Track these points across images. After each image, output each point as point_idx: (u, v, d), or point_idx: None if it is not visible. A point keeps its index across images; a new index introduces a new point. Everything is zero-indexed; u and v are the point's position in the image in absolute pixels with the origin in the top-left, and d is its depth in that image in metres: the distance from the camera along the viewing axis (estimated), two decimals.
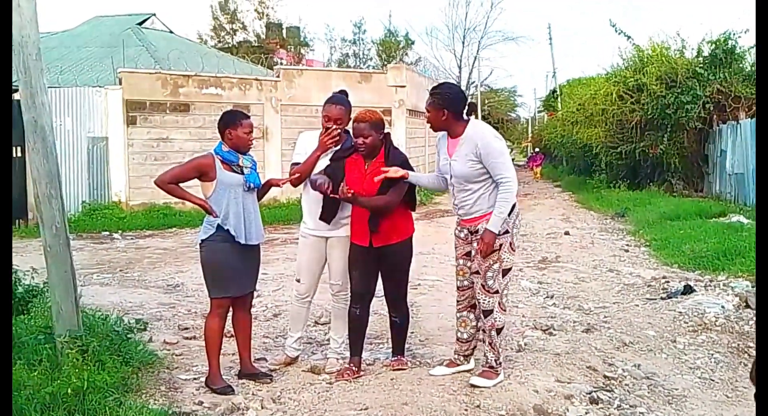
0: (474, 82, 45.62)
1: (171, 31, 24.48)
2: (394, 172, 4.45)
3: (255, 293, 4.90)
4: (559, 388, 4.39)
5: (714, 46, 17.83)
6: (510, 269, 4.50)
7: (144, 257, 10.56)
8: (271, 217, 13.52)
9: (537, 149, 37.91)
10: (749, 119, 15.49)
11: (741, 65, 17.65)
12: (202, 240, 4.41)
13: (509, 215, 4.35)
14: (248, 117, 4.57)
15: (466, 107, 4.50)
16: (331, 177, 4.55)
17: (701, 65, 17.72)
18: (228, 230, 4.33)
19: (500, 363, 4.49)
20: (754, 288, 6.70)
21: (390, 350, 5.03)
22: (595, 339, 5.59)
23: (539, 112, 51.42)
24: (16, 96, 4.27)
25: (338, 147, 4.73)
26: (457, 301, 4.72)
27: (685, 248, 9.49)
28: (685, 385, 4.72)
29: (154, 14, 24.00)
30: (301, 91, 16.45)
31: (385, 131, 4.73)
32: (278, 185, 4.74)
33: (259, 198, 4.64)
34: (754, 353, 5.29)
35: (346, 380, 4.56)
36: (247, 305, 4.68)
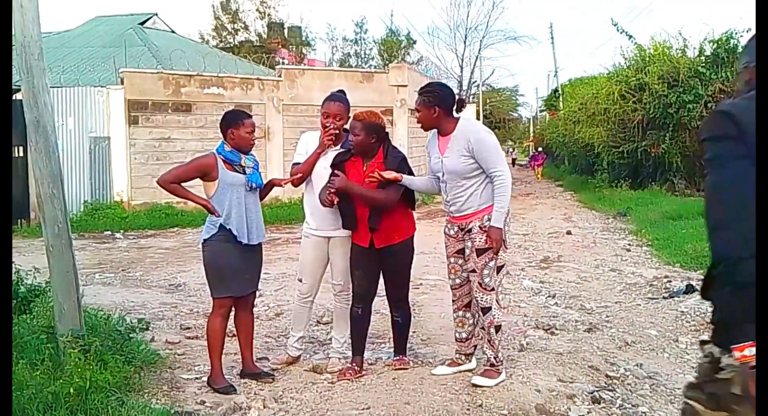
0: (476, 81, 45.65)
1: (173, 31, 24.51)
2: (387, 174, 4.45)
3: (257, 293, 4.90)
4: (561, 388, 4.39)
5: (716, 45, 17.81)
6: (503, 266, 4.51)
7: (146, 256, 10.57)
8: (273, 217, 13.52)
9: (539, 149, 37.90)
10: None
11: None
12: (205, 240, 4.42)
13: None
14: (250, 117, 4.57)
15: (456, 104, 4.52)
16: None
17: (703, 64, 17.72)
18: (230, 229, 4.33)
19: (501, 361, 4.49)
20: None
21: (392, 349, 5.03)
22: (597, 338, 5.59)
23: (541, 111, 51.41)
24: (18, 96, 4.27)
25: (338, 147, 4.74)
26: (453, 301, 4.72)
27: (687, 247, 9.48)
28: None
29: (156, 14, 24.03)
30: (302, 91, 16.45)
31: (386, 132, 4.71)
32: (280, 185, 4.74)
33: (261, 198, 4.64)
34: None
35: (348, 379, 4.56)
36: (249, 304, 4.69)
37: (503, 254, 4.46)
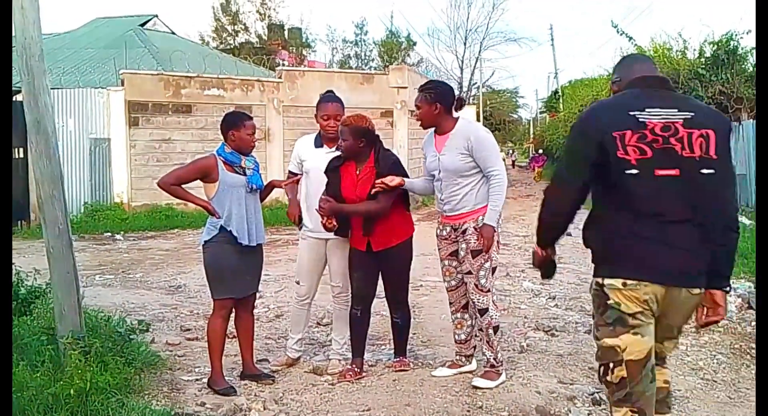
0: (476, 83, 45.67)
1: (173, 33, 24.52)
2: (390, 181, 4.45)
3: (257, 295, 4.90)
4: (562, 389, 4.40)
5: (716, 46, 17.81)
6: (497, 267, 4.53)
7: (146, 258, 10.57)
8: (274, 218, 13.50)
9: (540, 150, 37.89)
10: (751, 120, 15.48)
11: (743, 66, 17.64)
12: (205, 241, 4.42)
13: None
14: (251, 118, 4.58)
15: (455, 103, 4.54)
16: (331, 192, 4.58)
17: (703, 66, 17.71)
18: (231, 231, 4.34)
19: (500, 362, 4.49)
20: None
21: (392, 351, 5.03)
22: None
23: (541, 113, 51.46)
24: (19, 97, 4.28)
25: (333, 148, 4.76)
26: (450, 303, 4.73)
27: None
28: (687, 386, 4.71)
29: (157, 15, 24.03)
30: (303, 93, 16.45)
31: (376, 135, 4.70)
32: (280, 187, 4.74)
33: (262, 199, 4.64)
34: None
35: (349, 381, 4.56)
36: (249, 306, 4.69)
37: (496, 256, 4.46)
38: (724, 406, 4.45)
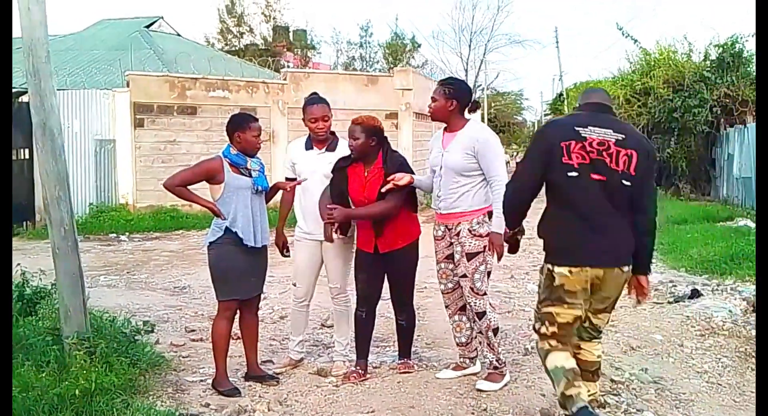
0: (480, 85, 45.58)
1: (178, 34, 24.55)
2: (400, 178, 4.45)
3: (262, 296, 4.90)
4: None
5: (721, 49, 17.80)
6: (491, 271, 4.53)
7: (151, 259, 10.58)
8: (275, 220, 13.52)
9: None
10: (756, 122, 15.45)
11: (749, 69, 17.62)
12: (210, 243, 4.42)
13: (490, 218, 4.38)
14: (257, 120, 4.59)
15: (470, 104, 4.58)
16: (337, 189, 4.59)
17: (708, 69, 17.70)
18: (236, 232, 4.34)
19: (503, 363, 4.49)
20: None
21: (396, 353, 5.03)
22: (602, 342, 5.56)
23: (546, 115, 51.36)
24: (25, 98, 4.30)
25: (323, 149, 4.79)
26: (446, 306, 4.73)
27: (692, 252, 9.46)
28: (692, 389, 4.70)
29: (162, 17, 24.07)
30: (308, 95, 16.44)
31: (385, 136, 4.72)
32: (285, 189, 4.74)
33: (267, 201, 4.65)
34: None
35: (353, 383, 4.56)
36: (254, 307, 4.69)
37: (492, 259, 4.47)
38: (728, 409, 4.44)
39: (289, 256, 4.97)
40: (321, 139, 4.80)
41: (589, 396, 3.55)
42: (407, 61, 38.84)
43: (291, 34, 39.59)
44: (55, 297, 4.84)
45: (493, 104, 47.93)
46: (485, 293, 4.44)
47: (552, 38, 50.84)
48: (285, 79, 16.90)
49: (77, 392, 3.67)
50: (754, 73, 17.19)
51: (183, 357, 5.16)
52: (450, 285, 4.61)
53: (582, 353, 3.70)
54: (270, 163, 14.67)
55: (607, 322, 3.81)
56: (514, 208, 3.68)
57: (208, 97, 15.54)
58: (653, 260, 3.59)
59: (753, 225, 11.30)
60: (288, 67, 26.90)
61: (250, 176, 4.45)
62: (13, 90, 5.04)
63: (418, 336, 5.52)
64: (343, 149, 4.75)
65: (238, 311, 4.58)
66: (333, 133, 4.85)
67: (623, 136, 3.47)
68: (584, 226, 3.43)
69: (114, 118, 14.66)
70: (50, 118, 4.10)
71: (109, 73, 16.04)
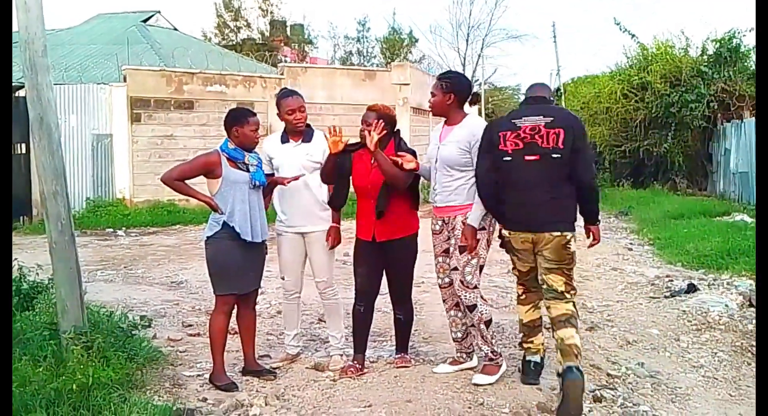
0: (478, 80, 45.48)
1: (175, 29, 24.48)
2: (409, 160, 4.46)
3: (259, 291, 4.91)
4: None
5: (719, 44, 17.80)
6: (483, 265, 4.52)
7: (148, 254, 10.58)
8: (275, 214, 13.54)
9: None
10: (753, 117, 15.46)
11: (746, 64, 17.63)
12: (208, 237, 4.42)
13: (488, 211, 4.40)
14: (255, 115, 4.59)
15: (470, 97, 4.62)
16: (340, 168, 4.63)
17: (706, 64, 17.71)
18: (233, 227, 4.34)
19: (498, 354, 4.49)
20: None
21: (393, 347, 5.04)
22: (599, 337, 5.60)
23: None
24: (21, 93, 4.29)
25: (300, 141, 4.82)
26: (443, 300, 4.74)
27: (688, 246, 9.48)
28: (688, 384, 4.72)
29: (159, 11, 24.00)
30: (305, 89, 16.28)
31: (398, 128, 4.78)
32: (283, 184, 4.74)
33: (265, 196, 4.65)
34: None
35: (350, 377, 4.57)
36: (251, 302, 4.69)
37: (485, 254, 4.48)
38: (724, 403, 4.46)
39: None
40: (298, 130, 4.81)
41: (567, 342, 4.08)
42: (404, 56, 38.77)
43: (288, 29, 39.44)
44: (52, 292, 4.84)
45: (490, 99, 47.86)
46: (476, 287, 4.43)
47: (549, 33, 50.78)
48: (282, 74, 16.89)
49: (74, 386, 3.67)
50: (752, 68, 17.23)
51: (180, 352, 5.16)
52: (447, 280, 4.61)
53: (551, 309, 4.25)
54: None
55: (568, 286, 4.24)
56: (483, 194, 4.30)
57: (206, 92, 15.52)
58: (600, 217, 4.50)
59: (749, 220, 11.33)
60: (285, 61, 26.84)
61: (248, 170, 4.45)
62: None
63: (415, 330, 5.53)
64: (319, 140, 4.80)
65: (235, 306, 4.58)
66: (308, 125, 4.87)
67: (552, 118, 4.17)
68: (519, 200, 4.21)
69: (111, 112, 14.63)
70: (47, 112, 4.09)
71: (106, 68, 16.01)
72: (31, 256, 6.57)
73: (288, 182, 4.67)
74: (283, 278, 4.98)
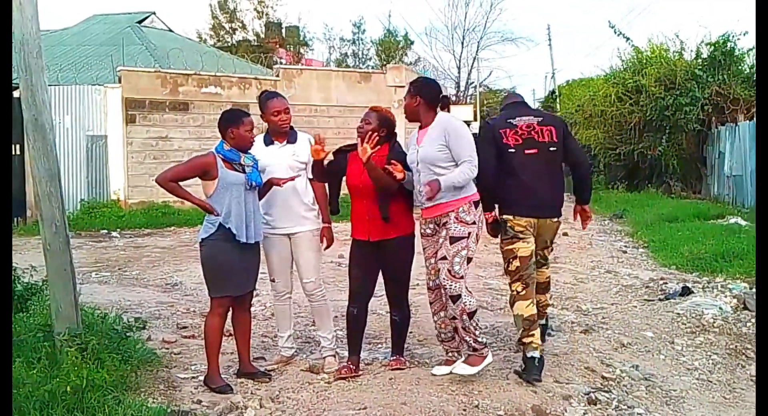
0: (473, 82, 45.58)
1: (171, 30, 24.47)
2: (398, 171, 4.47)
3: (254, 293, 4.90)
4: (558, 389, 4.40)
5: (713, 48, 17.86)
6: (471, 258, 4.53)
7: (143, 255, 10.56)
8: None
9: None
10: (747, 121, 15.52)
11: (740, 67, 17.70)
12: (203, 239, 4.41)
13: (477, 207, 4.47)
14: (249, 115, 4.58)
15: (441, 100, 4.68)
16: (335, 167, 4.73)
17: (700, 67, 17.76)
18: (229, 228, 4.33)
19: (483, 345, 4.46)
20: (752, 290, 6.71)
21: (389, 350, 5.04)
22: (594, 339, 5.60)
23: None
24: (16, 94, 4.27)
25: (284, 142, 4.84)
26: (431, 303, 4.74)
27: (683, 249, 9.50)
28: (683, 386, 4.73)
29: (154, 13, 23.99)
30: (300, 91, 16.44)
31: (396, 132, 4.83)
32: (279, 185, 4.73)
33: (261, 197, 4.65)
34: (752, 355, 5.31)
35: (344, 378, 4.56)
36: (246, 304, 4.68)
37: (474, 246, 4.50)
38: (719, 406, 4.47)
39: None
40: (283, 132, 4.83)
41: (541, 304, 5.04)
42: (400, 58, 38.84)
43: (283, 31, 39.45)
44: (46, 294, 4.81)
45: (485, 102, 47.90)
46: (462, 277, 4.40)
47: (544, 36, 50.80)
48: (278, 76, 16.89)
49: (68, 388, 3.66)
50: (746, 72, 17.30)
51: (175, 354, 5.15)
52: (437, 282, 4.61)
53: (537, 275, 4.89)
54: None
55: (550, 253, 5.23)
56: (486, 183, 4.65)
57: (201, 93, 15.51)
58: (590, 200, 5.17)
59: (743, 223, 11.36)
60: (280, 63, 26.85)
61: (244, 171, 4.44)
62: None
63: (411, 332, 5.52)
64: (303, 142, 4.84)
65: (230, 308, 4.57)
66: (292, 127, 4.92)
67: (542, 118, 4.91)
68: (523, 189, 4.70)
69: (106, 114, 14.62)
70: (42, 113, 4.07)
71: (100, 69, 16.00)
72: (25, 257, 6.56)
73: (284, 184, 4.67)
74: (273, 280, 4.99)
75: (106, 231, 13.14)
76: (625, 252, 10.49)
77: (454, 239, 4.40)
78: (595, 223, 14.60)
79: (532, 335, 4.58)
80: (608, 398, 4.37)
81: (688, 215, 12.97)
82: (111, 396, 3.83)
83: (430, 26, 71.96)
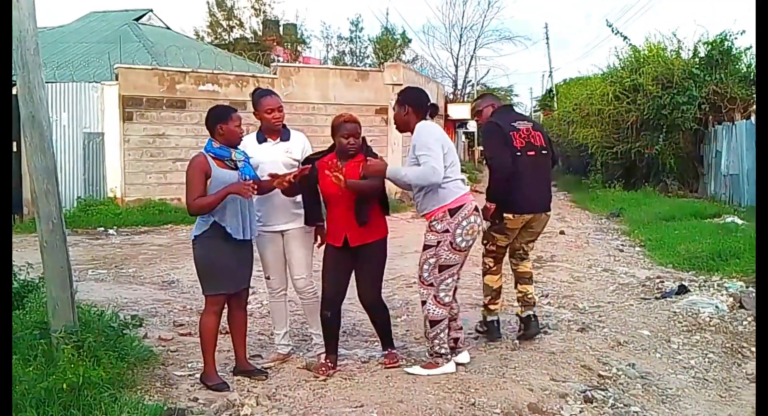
0: (470, 81, 45.62)
1: (168, 28, 24.39)
2: (335, 174, 4.49)
3: (250, 290, 4.90)
4: (554, 387, 4.41)
5: (710, 47, 17.86)
6: (451, 266, 4.55)
7: (139, 253, 10.55)
8: None
9: None
10: (744, 120, 15.53)
11: (737, 66, 17.70)
12: (196, 236, 4.40)
13: (453, 215, 4.47)
14: (236, 110, 4.55)
15: (429, 109, 4.70)
16: (305, 180, 4.60)
17: (697, 66, 17.76)
18: (223, 226, 4.32)
19: (439, 355, 4.58)
20: (749, 289, 6.73)
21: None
22: (590, 338, 5.61)
23: (535, 111, 51.44)
24: (13, 91, 4.26)
25: (277, 140, 4.83)
26: (422, 302, 4.78)
27: (679, 248, 9.51)
28: (679, 385, 4.74)
29: (152, 10, 23.90)
30: (298, 89, 16.42)
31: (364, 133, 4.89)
32: (282, 186, 4.68)
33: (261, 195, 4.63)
34: (748, 353, 5.33)
35: (323, 375, 4.60)
36: (242, 301, 4.68)
37: (452, 256, 4.52)
38: (715, 405, 4.48)
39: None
40: (276, 129, 4.83)
41: (528, 296, 5.48)
42: (398, 56, 38.79)
43: (281, 28, 39.39)
44: (42, 291, 4.81)
45: None
46: (431, 285, 4.56)
47: (542, 34, 50.80)
48: (275, 74, 16.86)
49: (65, 386, 3.66)
50: (743, 71, 17.30)
51: (171, 352, 5.15)
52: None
53: (519, 268, 5.54)
54: None
55: (533, 247, 5.69)
56: (504, 175, 5.12)
57: (198, 91, 15.48)
58: None
59: (740, 222, 11.37)
60: (278, 61, 26.81)
61: (236, 167, 4.43)
62: None
63: (407, 331, 5.54)
64: (296, 139, 4.87)
65: (226, 305, 4.56)
66: (285, 126, 4.92)
67: (532, 123, 5.47)
68: (524, 185, 5.15)
69: (103, 111, 14.58)
70: (39, 111, 4.07)
71: (98, 66, 15.94)
72: (21, 255, 6.53)
73: (287, 179, 4.59)
74: (268, 278, 4.99)
75: (102, 229, 13.12)
76: (621, 251, 10.51)
77: (425, 247, 4.57)
78: (592, 221, 14.64)
79: (496, 303, 5.53)
80: (604, 396, 4.38)
81: (684, 214, 12.99)
82: (107, 393, 3.82)
83: (428, 24, 71.95)
